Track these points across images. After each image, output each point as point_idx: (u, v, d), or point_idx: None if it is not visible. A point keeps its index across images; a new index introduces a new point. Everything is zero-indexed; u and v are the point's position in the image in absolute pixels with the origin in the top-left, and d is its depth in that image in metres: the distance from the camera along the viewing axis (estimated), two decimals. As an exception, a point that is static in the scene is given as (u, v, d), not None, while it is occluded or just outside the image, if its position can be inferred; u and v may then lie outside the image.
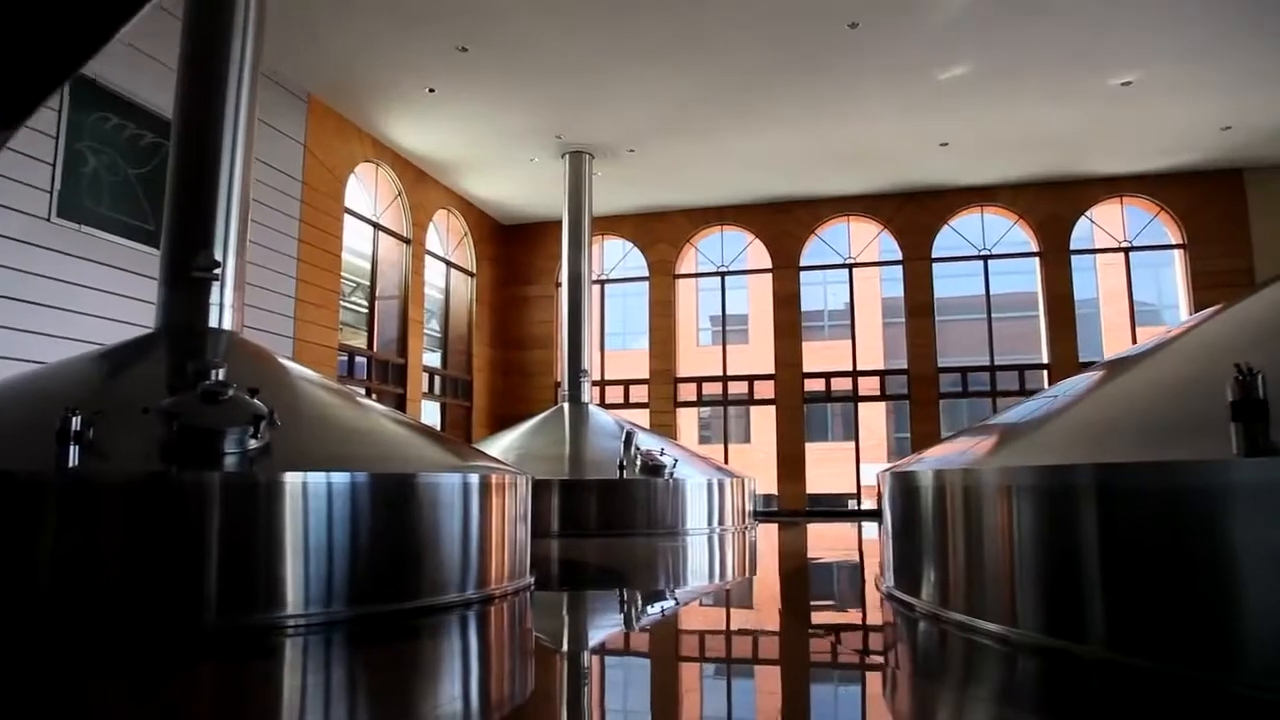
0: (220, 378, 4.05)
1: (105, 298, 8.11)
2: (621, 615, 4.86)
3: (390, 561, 4.17)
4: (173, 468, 3.67)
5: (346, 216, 12.42)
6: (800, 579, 6.84)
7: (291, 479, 3.87)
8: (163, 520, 3.62)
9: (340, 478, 4.02)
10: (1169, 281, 19.66)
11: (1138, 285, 25.02)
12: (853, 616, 4.99)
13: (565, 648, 3.98)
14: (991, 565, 3.83)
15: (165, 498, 3.63)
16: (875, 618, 4.71)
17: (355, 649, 3.68)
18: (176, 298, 5.27)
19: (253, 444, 3.77)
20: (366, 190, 13.29)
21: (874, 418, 23.60)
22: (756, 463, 15.14)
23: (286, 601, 3.77)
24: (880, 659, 3.75)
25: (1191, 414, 3.42)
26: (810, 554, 9.00)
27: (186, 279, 5.23)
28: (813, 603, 5.61)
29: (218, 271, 5.27)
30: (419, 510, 4.32)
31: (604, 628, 4.57)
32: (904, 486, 5.01)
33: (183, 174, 5.46)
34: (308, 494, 3.91)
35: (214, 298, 5.29)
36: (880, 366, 16.79)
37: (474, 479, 4.64)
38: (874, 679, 3.45)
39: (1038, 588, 3.55)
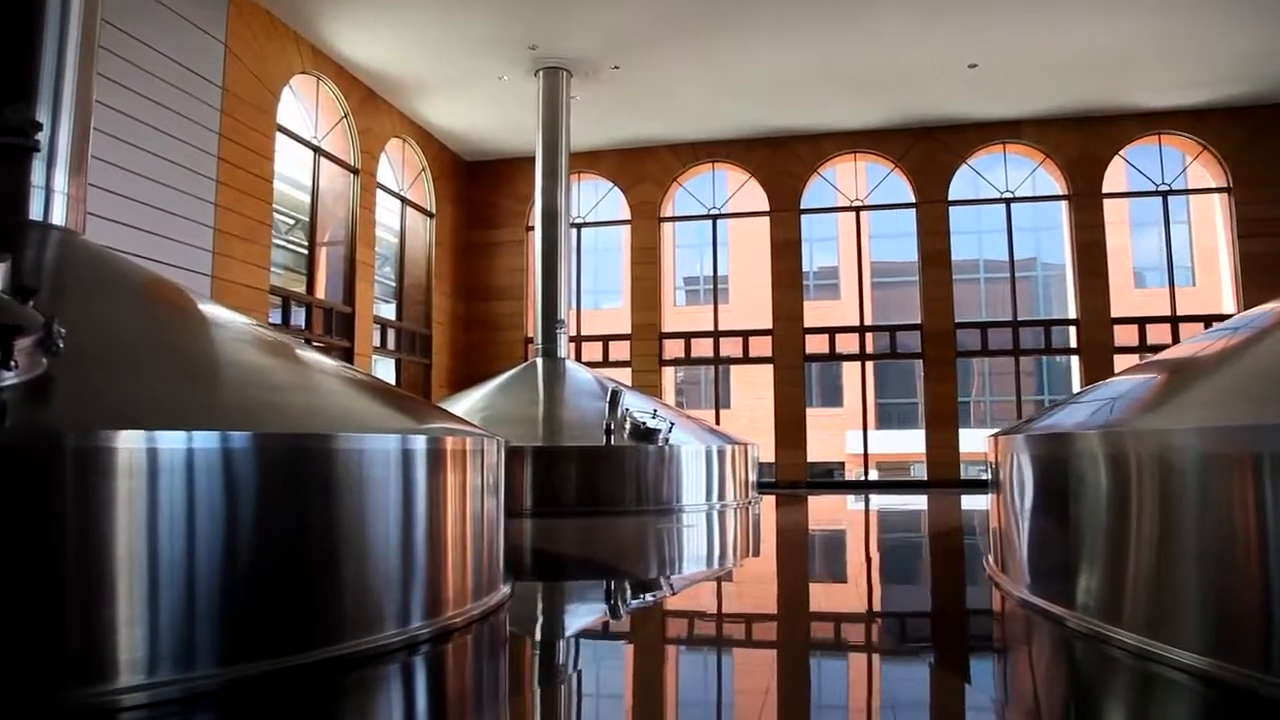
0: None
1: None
2: (664, 656, 3.25)
3: (289, 585, 2.52)
4: None
5: (281, 137, 10.52)
6: (867, 575, 5.26)
7: (129, 440, 2.20)
8: None
9: (206, 440, 2.36)
10: (1175, 239, 18.39)
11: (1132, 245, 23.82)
12: (987, 636, 3.51)
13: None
14: (1216, 574, 2.50)
15: None
16: (1016, 641, 3.23)
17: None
18: (-26, 174, 3.54)
19: (6, 377, 2.06)
20: (305, 109, 11.36)
21: (854, 381, 22.18)
22: (739, 429, 13.58)
23: (118, 666, 2.13)
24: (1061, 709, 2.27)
25: None
26: (854, 537, 7.57)
27: (-11, 147, 3.49)
28: (916, 613, 4.05)
29: (39, 138, 3.52)
30: (338, 494, 2.68)
31: (638, 685, 2.96)
32: (1048, 456, 3.59)
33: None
34: (157, 467, 2.26)
35: (35, 178, 3.54)
36: (884, 323, 15.23)
37: (420, 444, 3.01)
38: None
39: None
